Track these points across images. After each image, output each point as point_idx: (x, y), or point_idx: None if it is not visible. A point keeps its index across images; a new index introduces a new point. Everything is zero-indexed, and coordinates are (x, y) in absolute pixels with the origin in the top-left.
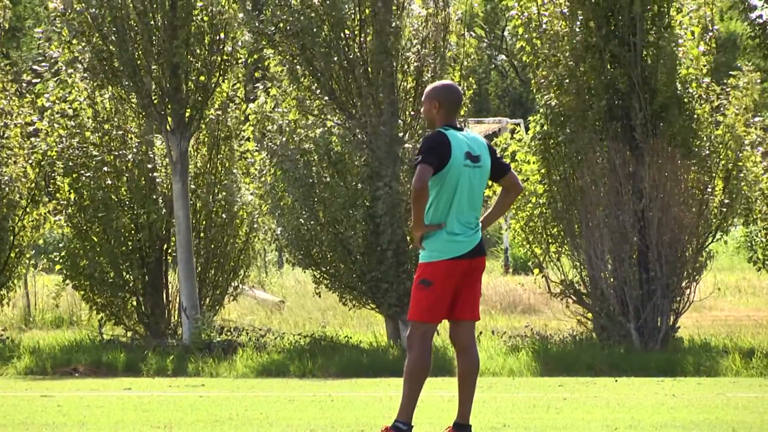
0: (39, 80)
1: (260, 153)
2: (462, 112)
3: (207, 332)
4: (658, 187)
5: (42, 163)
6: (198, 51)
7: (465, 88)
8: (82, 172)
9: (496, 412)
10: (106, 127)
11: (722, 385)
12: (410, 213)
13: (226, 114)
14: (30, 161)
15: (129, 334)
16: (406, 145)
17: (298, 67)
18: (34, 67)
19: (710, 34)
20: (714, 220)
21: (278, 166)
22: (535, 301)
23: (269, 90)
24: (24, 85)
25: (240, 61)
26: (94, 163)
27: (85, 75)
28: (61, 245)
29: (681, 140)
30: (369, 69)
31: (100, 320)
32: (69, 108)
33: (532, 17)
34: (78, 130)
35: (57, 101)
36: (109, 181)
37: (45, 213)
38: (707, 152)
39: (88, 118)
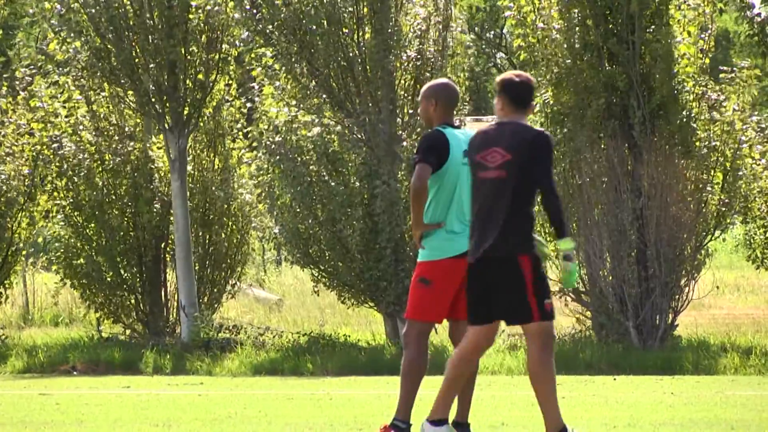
0: (31, 79)
1: (254, 152)
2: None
3: (205, 330)
4: (656, 185)
5: (36, 162)
6: (195, 49)
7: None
8: (77, 171)
9: (495, 411)
10: (102, 125)
11: (721, 384)
12: (409, 211)
13: (220, 112)
14: (25, 159)
15: (127, 332)
16: (405, 143)
17: (296, 65)
18: (22, 69)
19: (709, 32)
20: (712, 219)
21: (276, 165)
22: None
23: (262, 88)
24: (18, 83)
25: (236, 58)
26: (87, 162)
27: (81, 75)
28: (58, 244)
29: (679, 138)
30: (368, 67)
31: (99, 318)
32: (62, 107)
33: (528, 16)
34: (72, 130)
35: (49, 101)
36: (100, 182)
37: (38, 211)
38: (705, 150)
39: (82, 116)
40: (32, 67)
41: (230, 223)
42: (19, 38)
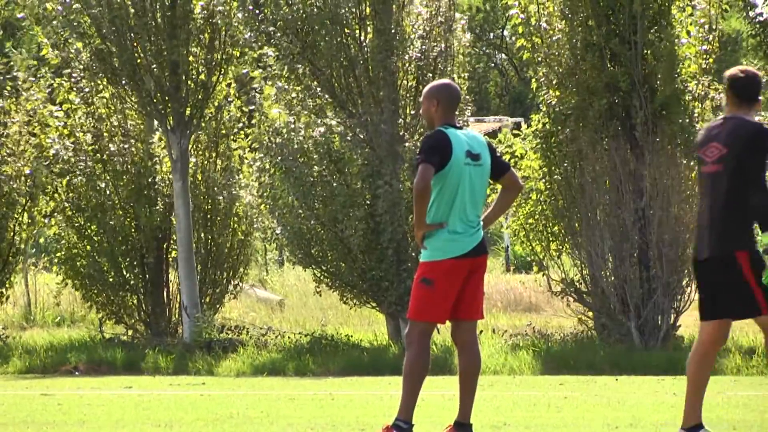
0: (34, 79)
1: (255, 152)
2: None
3: (207, 331)
4: (658, 185)
5: (37, 163)
6: (197, 50)
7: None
8: (77, 173)
9: (497, 411)
10: (101, 126)
11: (723, 384)
12: (410, 211)
13: (221, 112)
14: (27, 160)
15: (129, 332)
16: (407, 144)
17: (298, 65)
18: (17, 74)
19: (714, 33)
20: None
21: (278, 166)
22: (536, 300)
23: (263, 90)
24: (20, 83)
25: (239, 59)
26: (86, 163)
27: (82, 75)
28: (59, 245)
29: (681, 139)
30: (370, 67)
31: (100, 319)
32: (58, 110)
33: (531, 16)
34: (70, 132)
35: (45, 103)
36: (102, 184)
37: (38, 211)
38: None
39: (81, 116)
40: (32, 69)
41: (232, 224)
42: (17, 39)
